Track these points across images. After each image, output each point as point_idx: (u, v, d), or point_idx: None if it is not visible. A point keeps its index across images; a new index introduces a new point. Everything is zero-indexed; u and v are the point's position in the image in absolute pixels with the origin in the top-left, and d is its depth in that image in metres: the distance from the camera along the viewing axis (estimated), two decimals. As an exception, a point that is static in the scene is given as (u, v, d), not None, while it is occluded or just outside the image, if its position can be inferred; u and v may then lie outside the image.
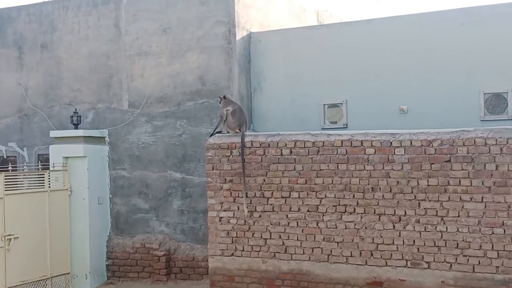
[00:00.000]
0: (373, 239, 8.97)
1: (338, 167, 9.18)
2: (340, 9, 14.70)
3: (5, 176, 10.95)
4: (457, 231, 8.54)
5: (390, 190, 8.88)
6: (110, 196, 12.53)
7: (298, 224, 9.42)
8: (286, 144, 9.52)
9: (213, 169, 9.96)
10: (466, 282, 8.47)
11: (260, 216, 9.64)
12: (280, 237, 9.53)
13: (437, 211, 8.65)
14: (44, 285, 11.52)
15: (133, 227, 12.35)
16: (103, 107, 12.65)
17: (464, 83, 10.34)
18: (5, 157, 13.40)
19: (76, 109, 12.56)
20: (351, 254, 9.10)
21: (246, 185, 9.67)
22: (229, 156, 9.88)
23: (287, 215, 9.49)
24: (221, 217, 9.89)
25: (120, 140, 12.45)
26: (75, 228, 12.08)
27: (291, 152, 9.49)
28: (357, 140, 9.10)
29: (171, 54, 12.01)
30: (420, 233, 8.72)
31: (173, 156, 11.99)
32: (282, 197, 9.52)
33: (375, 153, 8.97)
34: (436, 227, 8.64)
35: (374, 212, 8.96)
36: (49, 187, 11.79)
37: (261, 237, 9.64)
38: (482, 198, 8.42)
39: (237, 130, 10.02)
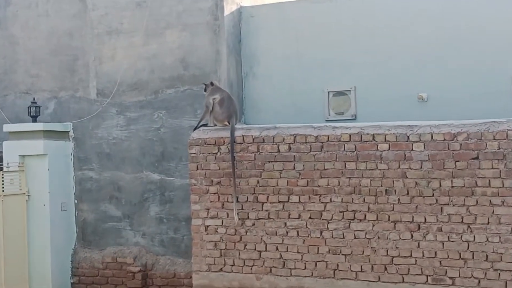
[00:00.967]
0: (387, 251, 9.00)
1: (345, 166, 9.21)
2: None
3: (-51, 178, 10.94)
4: (486, 241, 8.57)
5: (407, 193, 8.91)
6: (76, 201, 12.49)
7: (298, 234, 9.44)
8: (284, 139, 9.54)
9: (197, 169, 9.97)
10: (497, 301, 8.52)
11: (253, 224, 9.66)
12: (277, 249, 9.55)
13: (462, 218, 8.68)
14: (-3, 307, 11.51)
15: (102, 238, 12.32)
16: (67, 96, 12.60)
17: (494, 66, 10.33)
18: (-51, 155, 13.36)
19: (34, 99, 12.51)
20: (362, 269, 9.14)
21: (236, 187, 9.68)
22: (216, 153, 9.90)
23: (285, 223, 9.51)
24: (207, 226, 9.91)
25: (87, 135, 12.41)
26: (34, 240, 12.03)
27: (290, 148, 9.50)
28: (368, 134, 9.12)
29: (147, 33, 11.97)
30: (443, 244, 8.75)
31: (150, 154, 11.96)
32: (279, 201, 9.55)
33: (389, 149, 9.00)
34: (461, 236, 8.68)
35: (389, 219, 9.00)
36: (3, 191, 11.74)
37: (255, 249, 9.66)
38: (516, 201, 8.46)
39: (226, 123, 10.02)
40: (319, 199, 9.34)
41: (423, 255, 8.85)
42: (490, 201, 8.55)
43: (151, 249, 11.97)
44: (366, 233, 9.10)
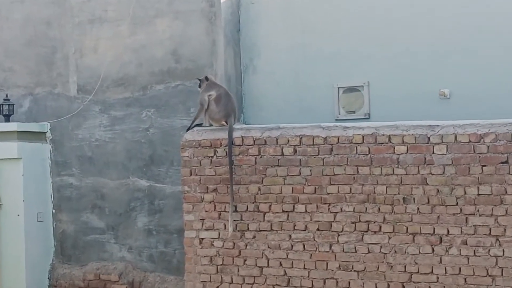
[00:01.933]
0: (405, 266, 8.99)
1: (358, 171, 9.21)
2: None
3: None
4: (517, 256, 8.56)
5: (428, 202, 8.91)
6: (53, 211, 12.49)
7: (305, 248, 9.44)
8: (288, 141, 9.55)
9: (191, 174, 9.98)
10: (530, 324, 8.51)
11: (254, 236, 9.67)
12: (280, 264, 9.55)
13: (490, 229, 8.67)
14: (-35, 330, 11.49)
15: (84, 253, 12.31)
16: (44, 92, 12.60)
17: (525, 58, 10.37)
18: None
19: (7, 95, 12.51)
20: (376, 287, 9.13)
21: (235, 195, 9.68)
22: (212, 157, 9.91)
23: (290, 236, 9.51)
24: (202, 239, 9.91)
25: (67, 136, 12.41)
26: (6, 254, 12.04)
27: (295, 151, 9.51)
28: (383, 135, 9.12)
29: (134, 21, 11.97)
30: (468, 259, 8.73)
31: (138, 158, 11.96)
32: (283, 211, 9.55)
33: (407, 152, 9.00)
34: (489, 250, 8.66)
35: (407, 231, 8.99)
36: (-28, 199, 11.77)
37: (256, 264, 9.66)
38: (551, 211, 8.46)
39: (223, 123, 10.04)
40: (328, 209, 9.33)
41: (445, 272, 8.83)
42: (522, 210, 8.55)
43: (138, 265, 11.96)
44: (381, 247, 9.09)
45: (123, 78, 12.08)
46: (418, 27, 10.86)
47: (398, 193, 9.01)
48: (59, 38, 12.50)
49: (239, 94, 11.77)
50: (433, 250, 8.88)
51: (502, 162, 8.61)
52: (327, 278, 9.33)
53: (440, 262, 8.84)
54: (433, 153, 8.88)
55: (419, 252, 8.92)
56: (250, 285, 9.68)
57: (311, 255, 9.40)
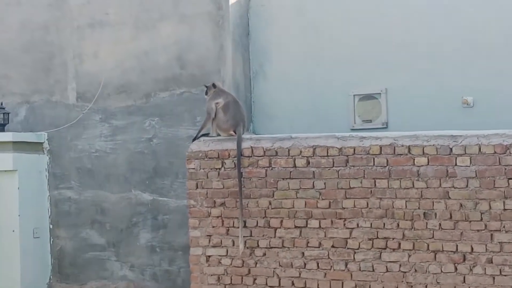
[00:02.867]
0: (426, 286, 8.96)
1: (375, 184, 9.20)
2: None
3: None
4: (546, 275, 8.53)
5: (450, 217, 8.88)
6: (51, 226, 12.50)
7: (318, 266, 9.42)
8: (301, 152, 9.54)
9: (197, 187, 9.98)
10: None
11: (264, 254, 9.66)
12: (293, 284, 9.54)
13: (517, 247, 8.63)
14: None
15: (83, 271, 12.32)
16: (41, 100, 12.64)
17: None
18: None
19: (2, 104, 12.54)
20: (395, 308, 9.10)
21: (244, 210, 9.67)
22: (219, 169, 9.91)
23: (303, 253, 9.50)
24: (209, 256, 9.90)
25: (65, 147, 12.43)
26: (0, 272, 12.03)
27: (308, 162, 9.50)
28: (402, 146, 9.11)
29: (137, 25, 12.02)
30: (494, 278, 8.69)
31: (140, 170, 11.98)
32: (295, 227, 9.54)
33: (428, 164, 8.98)
34: (516, 269, 8.63)
35: (428, 248, 8.97)
36: (-36, 214, 11.79)
37: (266, 284, 9.65)
38: None
39: (231, 132, 10.04)
40: (344, 224, 9.31)
41: (469, 292, 8.82)
42: (551, 226, 8.52)
43: (141, 284, 11.96)
44: (400, 265, 9.06)
45: (125, 85, 12.11)
46: (439, 31, 10.89)
47: (419, 208, 8.98)
48: (58, 43, 12.54)
49: (248, 102, 11.79)
50: (456, 269, 8.84)
51: (530, 175, 8.61)
52: (343, 299, 9.33)
53: (464, 281, 8.80)
54: (456, 165, 8.85)
55: (441, 271, 8.88)
56: (261, 306, 9.69)
57: (326, 274, 9.37)
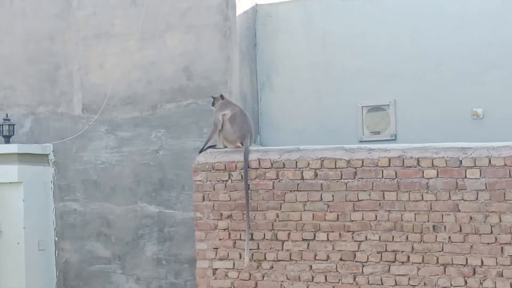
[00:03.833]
0: (435, 300, 8.95)
1: (384, 197, 9.19)
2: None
3: None
4: (557, 289, 8.51)
5: (460, 230, 8.87)
6: (56, 239, 12.52)
7: (326, 279, 9.41)
8: (308, 164, 9.54)
9: (203, 199, 9.98)
10: None
11: (271, 267, 9.65)
12: (300, 297, 9.50)
13: (528, 260, 8.62)
14: None
15: (88, 284, 12.33)
16: (46, 111, 12.67)
17: None
18: None
19: (7, 115, 12.58)
20: (404, 322, 9.09)
21: (251, 222, 9.67)
22: (226, 181, 9.91)
23: (310, 266, 9.48)
24: (216, 269, 9.90)
25: (70, 158, 12.45)
26: (5, 284, 12.06)
27: (316, 175, 9.50)
28: (411, 158, 9.10)
29: (143, 36, 12.04)
30: (504, 292, 8.67)
31: (146, 182, 11.99)
32: (303, 239, 9.53)
33: (437, 177, 8.98)
34: (527, 282, 8.61)
35: (437, 262, 8.95)
36: (-32, 226, 11.81)
37: (274, 297, 9.62)
38: None
39: (239, 144, 10.04)
40: (352, 237, 9.30)
41: (479, 306, 8.80)
42: (562, 239, 8.51)
43: (146, 297, 11.97)
44: (409, 279, 9.04)
45: (131, 97, 12.13)
46: (448, 42, 10.89)
47: (428, 221, 8.97)
48: (63, 54, 12.59)
49: (255, 114, 11.80)
50: (466, 282, 8.82)
51: (541, 187, 8.60)
52: (351, 313, 9.32)
53: (474, 295, 8.81)
54: (466, 177, 8.84)
55: (451, 285, 8.86)
56: (268, 320, 9.68)
57: (334, 287, 9.36)
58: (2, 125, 12.42)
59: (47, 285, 12.42)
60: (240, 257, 9.75)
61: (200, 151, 10.29)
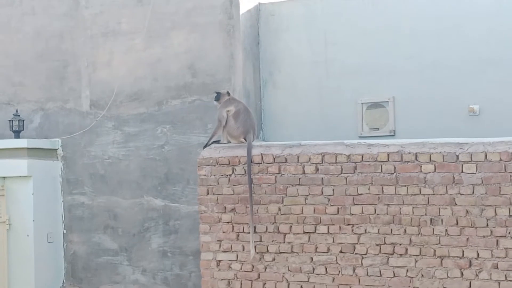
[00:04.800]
0: (432, 291, 8.95)
1: (383, 191, 9.17)
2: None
3: None
4: (551, 281, 8.51)
5: (457, 223, 8.85)
6: (64, 231, 12.53)
7: (327, 271, 9.40)
8: (310, 159, 9.53)
9: (208, 193, 9.97)
10: None
11: (273, 259, 9.64)
12: (302, 288, 9.52)
13: (522, 252, 8.63)
14: None
15: (96, 275, 12.34)
16: (55, 107, 12.67)
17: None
18: None
19: (17, 111, 12.58)
20: (402, 312, 9.10)
21: (254, 215, 9.67)
22: (230, 175, 9.89)
23: (311, 258, 9.48)
24: (219, 261, 9.89)
25: (78, 153, 12.46)
26: (15, 276, 12.08)
27: (317, 169, 9.49)
28: (409, 153, 9.09)
29: (149, 34, 12.04)
30: (499, 283, 8.66)
31: (152, 176, 12.00)
32: (304, 232, 9.52)
33: (435, 171, 8.96)
34: (521, 274, 8.61)
35: (434, 254, 8.93)
36: (-21, 218, 11.82)
37: (276, 288, 9.63)
38: None
39: (242, 139, 10.03)
40: (352, 230, 9.28)
41: (475, 297, 8.80)
42: (556, 233, 8.50)
43: (152, 288, 11.98)
44: (407, 270, 9.02)
45: (138, 93, 12.13)
46: (446, 40, 10.89)
47: (425, 214, 8.95)
48: (71, 51, 12.59)
49: (258, 110, 11.80)
50: (462, 274, 8.80)
51: (535, 182, 8.60)
52: (351, 303, 9.33)
53: (470, 287, 8.76)
54: (462, 172, 8.82)
55: (447, 276, 8.85)
56: (270, 310, 9.69)
57: (334, 278, 9.35)
58: (12, 120, 12.42)
59: (55, 276, 12.43)
60: (243, 249, 9.74)
61: (205, 146, 10.29)
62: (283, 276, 9.59)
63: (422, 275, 8.97)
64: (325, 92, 11.53)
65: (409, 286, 9.03)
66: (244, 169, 9.79)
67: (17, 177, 12.13)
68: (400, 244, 9.07)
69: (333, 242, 9.38)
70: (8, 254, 12.06)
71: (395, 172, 9.13)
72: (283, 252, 9.59)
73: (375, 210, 9.20)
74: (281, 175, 9.65)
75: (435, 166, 8.96)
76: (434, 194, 8.94)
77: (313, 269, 9.46)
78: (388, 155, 9.18)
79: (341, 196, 9.35)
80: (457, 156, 8.88)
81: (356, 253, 9.26)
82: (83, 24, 12.51)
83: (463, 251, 8.82)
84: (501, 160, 8.70)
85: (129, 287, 12.09)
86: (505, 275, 8.64)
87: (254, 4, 11.85)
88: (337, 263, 9.35)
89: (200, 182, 10.05)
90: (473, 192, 8.78)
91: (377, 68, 11.25)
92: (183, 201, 11.77)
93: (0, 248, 11.99)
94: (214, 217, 9.93)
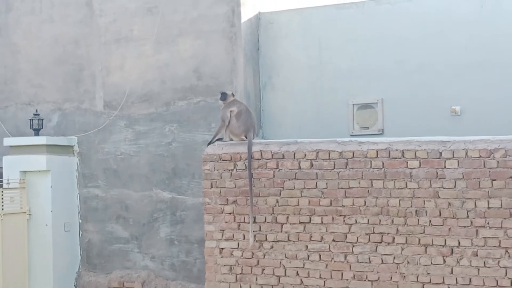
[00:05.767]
0: (417, 276, 8.94)
1: (372, 185, 9.18)
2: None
3: None
4: (526, 267, 8.51)
5: (440, 214, 8.86)
6: (80, 221, 12.53)
7: (321, 258, 9.40)
8: (305, 155, 9.53)
9: (211, 186, 9.97)
10: (538, 333, 8.43)
11: (272, 247, 9.64)
12: (297, 274, 9.52)
13: (500, 241, 8.60)
14: (-6, 334, 11.53)
15: (109, 261, 12.35)
16: (71, 107, 12.67)
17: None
18: None
19: (37, 110, 12.59)
20: (389, 296, 9.08)
21: (254, 207, 9.67)
22: (232, 170, 9.89)
23: (306, 246, 9.47)
24: (222, 249, 9.89)
25: (93, 149, 12.46)
26: (35, 262, 12.08)
27: (311, 165, 9.48)
28: (396, 150, 9.09)
29: (158, 40, 12.04)
30: (479, 270, 8.67)
31: (161, 171, 11.99)
32: (300, 222, 9.52)
33: (420, 167, 8.96)
34: (498, 261, 8.59)
35: (419, 242, 8.94)
36: (2, 209, 11.79)
37: (274, 274, 9.63)
38: (559, 224, 8.39)
39: (243, 137, 10.03)
40: (344, 220, 9.29)
41: (456, 282, 8.77)
42: (530, 223, 8.49)
43: (160, 274, 11.96)
44: (394, 258, 9.03)
45: (147, 95, 12.13)
46: (430, 46, 10.86)
47: (411, 206, 8.97)
48: (87, 56, 12.59)
49: (258, 110, 11.79)
50: (444, 261, 8.82)
51: (511, 177, 8.58)
52: (342, 287, 9.29)
53: (451, 272, 8.78)
54: (445, 167, 8.83)
55: (431, 263, 8.87)
56: (268, 294, 9.68)
57: (327, 265, 9.36)
58: (32, 119, 12.43)
59: (72, 262, 12.45)
60: (244, 238, 9.74)
61: (209, 143, 10.29)
62: (280, 262, 9.59)
63: (408, 262, 8.98)
64: (319, 94, 11.51)
65: (396, 272, 9.03)
66: (245, 165, 9.79)
67: (36, 171, 12.15)
68: (388, 234, 9.08)
69: (326, 231, 9.38)
70: (28, 242, 12.06)
71: (383, 167, 9.13)
72: (281, 241, 9.59)
73: (365, 202, 9.20)
74: (278, 170, 9.65)
75: (420, 162, 8.97)
76: (419, 187, 8.95)
77: (308, 256, 9.46)
78: (377, 152, 9.19)
79: (333, 189, 9.36)
80: (440, 153, 8.88)
81: (347, 242, 9.27)
82: (97, 31, 12.51)
83: (445, 240, 8.83)
84: (480, 156, 8.71)
85: (139, 272, 12.09)
86: (484, 262, 8.65)
87: (255, 13, 11.82)
88: (330, 251, 9.35)
89: (204, 176, 10.05)
90: (454, 186, 8.79)
91: (367, 71, 11.23)
92: (189, 194, 11.77)
93: (21, 237, 11.98)
94: (217, 209, 9.93)
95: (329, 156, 9.41)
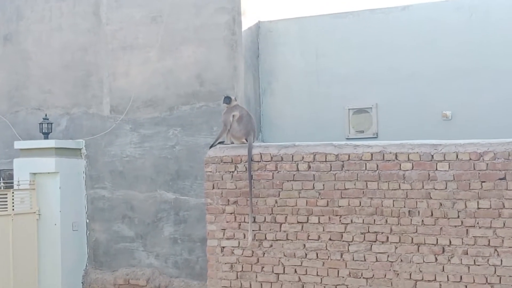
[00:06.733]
0: (410, 274, 8.92)
1: (367, 186, 9.16)
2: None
3: (-41, 196, 11.00)
4: (514, 265, 8.49)
5: (432, 214, 8.84)
6: (87, 221, 12.53)
7: (318, 256, 9.38)
8: (303, 158, 9.51)
9: (213, 188, 9.95)
10: (526, 328, 8.41)
11: (271, 245, 9.62)
12: (295, 271, 9.49)
13: (489, 240, 8.59)
14: (5, 329, 11.52)
15: (115, 259, 12.34)
16: (79, 112, 12.67)
17: (522, 82, 10.34)
18: (-41, 173, 13.44)
19: (46, 115, 12.59)
20: (383, 293, 9.07)
21: (254, 207, 9.66)
22: (233, 172, 9.87)
23: (304, 245, 9.46)
24: (223, 247, 9.86)
25: (100, 152, 12.45)
26: (44, 260, 12.07)
27: (309, 167, 9.47)
28: (390, 153, 9.07)
29: (162, 48, 12.04)
30: (469, 268, 8.66)
31: (165, 172, 11.98)
32: (298, 222, 9.50)
33: (412, 169, 8.94)
34: (488, 260, 8.57)
35: (412, 241, 8.92)
36: (13, 209, 11.79)
37: (273, 271, 9.60)
38: (546, 224, 8.37)
39: (244, 140, 10.01)
40: (340, 220, 9.26)
41: (447, 279, 8.74)
42: (518, 223, 8.47)
43: (164, 271, 11.95)
44: (388, 256, 9.01)
45: (152, 100, 12.13)
46: (422, 53, 10.88)
47: (404, 207, 8.94)
48: (94, 63, 12.59)
49: (257, 115, 11.79)
50: (436, 259, 8.80)
51: (500, 179, 8.54)
52: (338, 285, 9.25)
53: (443, 270, 8.76)
54: (436, 169, 8.82)
55: (423, 261, 8.84)
56: (267, 290, 9.67)
57: (324, 263, 9.33)
58: (42, 123, 12.44)
59: (79, 260, 12.44)
60: (244, 237, 9.72)
61: (211, 146, 10.27)
62: (279, 260, 9.57)
63: (401, 260, 8.96)
64: (316, 99, 11.51)
65: (390, 270, 9.01)
66: (245, 167, 9.77)
67: (46, 173, 12.15)
68: (382, 233, 9.06)
69: (323, 230, 9.36)
70: (38, 241, 12.08)
71: (377, 169, 9.12)
72: (279, 240, 9.57)
73: (360, 203, 9.18)
74: (277, 172, 9.63)
75: (412, 164, 8.95)
76: (412, 189, 8.93)
77: (306, 254, 9.44)
78: (372, 154, 9.17)
79: (330, 190, 9.33)
80: (432, 155, 8.87)
81: (343, 241, 9.25)
82: (104, 39, 12.51)
83: (437, 239, 8.81)
84: (470, 159, 8.69)
85: (144, 270, 12.08)
86: (474, 260, 8.63)
87: (255, 22, 11.83)
88: (326, 249, 9.33)
89: (206, 178, 10.03)
90: (446, 188, 8.77)
91: (362, 78, 11.24)
92: (191, 195, 11.77)
93: (31, 236, 11.99)
94: (219, 209, 9.91)
95: (325, 158, 9.40)
